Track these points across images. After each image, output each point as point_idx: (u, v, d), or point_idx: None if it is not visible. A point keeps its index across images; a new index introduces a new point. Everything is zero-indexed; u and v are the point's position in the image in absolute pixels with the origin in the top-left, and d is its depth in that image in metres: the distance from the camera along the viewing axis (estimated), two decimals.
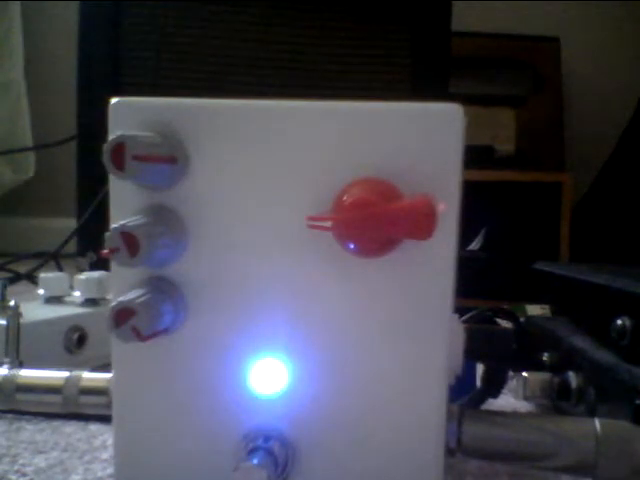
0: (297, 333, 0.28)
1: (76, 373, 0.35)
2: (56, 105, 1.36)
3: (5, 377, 0.36)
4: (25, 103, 1.50)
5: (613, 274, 0.43)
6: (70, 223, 0.89)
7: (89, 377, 0.35)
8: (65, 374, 0.35)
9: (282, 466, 0.27)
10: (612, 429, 0.29)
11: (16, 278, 0.88)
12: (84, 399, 0.35)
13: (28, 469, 0.35)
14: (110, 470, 0.35)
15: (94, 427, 0.41)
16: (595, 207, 1.26)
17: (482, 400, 0.39)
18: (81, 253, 0.83)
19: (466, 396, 0.38)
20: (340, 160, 0.27)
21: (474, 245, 1.03)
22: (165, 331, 0.27)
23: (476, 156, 1.23)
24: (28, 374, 0.36)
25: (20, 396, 0.36)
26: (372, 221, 0.24)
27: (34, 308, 0.54)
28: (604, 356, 0.38)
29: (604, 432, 0.28)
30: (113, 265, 0.28)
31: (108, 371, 0.30)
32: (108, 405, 0.33)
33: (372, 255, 0.26)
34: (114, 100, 0.28)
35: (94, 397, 0.34)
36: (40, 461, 0.36)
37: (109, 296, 0.55)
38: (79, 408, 0.35)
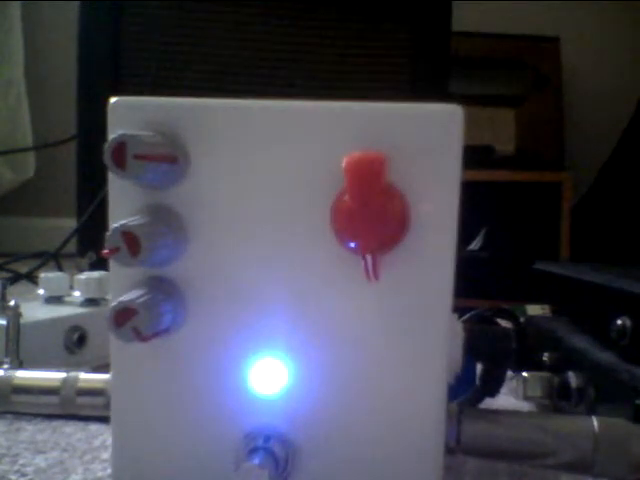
0: (297, 333, 0.28)
1: (73, 374, 0.35)
2: (56, 105, 1.36)
3: (1, 378, 0.36)
4: (25, 103, 1.50)
5: (613, 274, 0.43)
6: (70, 223, 0.89)
7: (86, 378, 0.35)
8: (62, 375, 0.35)
9: (283, 466, 0.27)
10: (610, 427, 0.29)
11: (16, 278, 0.88)
12: (81, 400, 0.35)
13: (28, 469, 0.35)
14: (110, 470, 0.35)
15: (94, 427, 0.41)
16: (595, 207, 1.26)
17: (480, 399, 0.39)
18: (81, 253, 0.83)
19: (466, 396, 0.38)
20: (340, 160, 0.27)
21: (474, 245, 1.03)
22: (165, 331, 0.27)
23: (476, 156, 1.23)
24: (24, 375, 0.36)
25: (17, 398, 0.36)
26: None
27: (34, 308, 0.54)
28: (604, 356, 0.38)
29: (602, 430, 0.29)
30: (112, 265, 0.28)
31: (108, 371, 0.30)
32: (106, 406, 0.33)
33: (372, 254, 0.26)
34: (113, 100, 0.28)
35: (91, 398, 0.34)
36: (40, 461, 0.36)
37: (109, 296, 0.55)
38: (76, 409, 0.35)
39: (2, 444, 0.39)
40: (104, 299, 0.56)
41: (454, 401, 0.30)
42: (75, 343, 0.53)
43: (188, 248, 0.28)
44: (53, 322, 0.52)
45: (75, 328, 0.53)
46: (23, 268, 0.92)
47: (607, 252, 1.12)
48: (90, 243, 0.82)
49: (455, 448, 0.29)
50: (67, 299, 0.57)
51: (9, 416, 0.43)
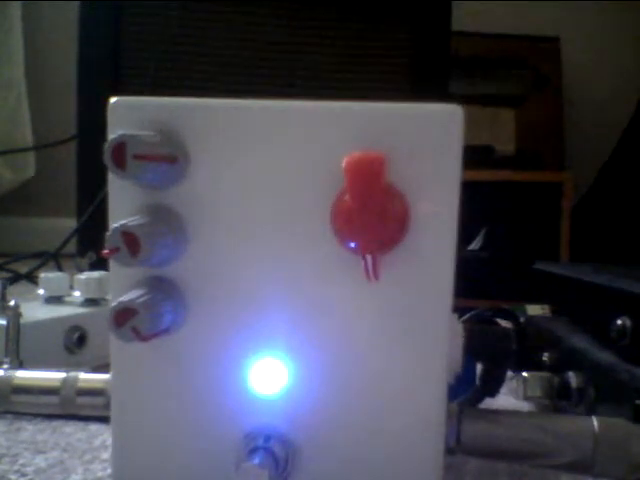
0: (297, 333, 0.28)
1: (73, 374, 0.35)
2: (56, 105, 1.36)
3: (1, 378, 0.36)
4: (25, 103, 1.50)
5: (613, 274, 0.43)
6: (70, 223, 0.89)
7: (86, 378, 0.35)
8: (62, 375, 0.35)
9: (283, 466, 0.27)
10: (610, 427, 0.29)
11: (16, 278, 0.88)
12: (81, 400, 0.35)
13: (28, 469, 0.35)
14: (110, 470, 0.35)
15: (94, 427, 0.41)
16: (595, 207, 1.26)
17: (480, 399, 0.39)
18: (81, 253, 0.83)
19: (466, 396, 0.38)
20: (340, 160, 0.27)
21: (474, 245, 1.03)
22: (165, 331, 0.27)
23: (476, 156, 1.23)
24: (24, 375, 0.36)
25: (17, 397, 0.36)
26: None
27: (34, 308, 0.54)
28: (604, 356, 0.38)
29: (602, 430, 0.29)
30: (112, 265, 0.28)
31: (108, 371, 0.30)
32: (105, 406, 0.33)
33: (372, 254, 0.26)
34: (113, 100, 0.28)
35: (91, 398, 0.34)
36: (40, 461, 0.36)
37: (109, 296, 0.55)
38: (76, 409, 0.35)
39: (2, 444, 0.39)
40: (104, 299, 0.56)
41: (454, 401, 0.30)
42: (75, 343, 0.53)
43: (188, 248, 0.28)
44: (53, 322, 0.52)
45: (75, 328, 0.53)
46: (23, 268, 0.92)
47: (607, 252, 1.12)
48: (90, 243, 0.82)
49: (455, 448, 0.29)
50: (67, 299, 0.57)
51: (9, 416, 0.43)
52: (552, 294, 0.53)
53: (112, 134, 0.25)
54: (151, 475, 0.30)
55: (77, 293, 0.57)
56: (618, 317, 0.37)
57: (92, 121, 0.82)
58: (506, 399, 0.45)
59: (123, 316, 0.25)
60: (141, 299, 0.25)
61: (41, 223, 1.51)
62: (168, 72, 0.83)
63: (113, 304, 0.25)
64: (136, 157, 0.25)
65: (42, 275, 0.57)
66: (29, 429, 0.41)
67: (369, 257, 0.26)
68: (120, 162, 0.25)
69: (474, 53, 1.35)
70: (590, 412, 0.37)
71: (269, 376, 0.28)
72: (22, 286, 0.85)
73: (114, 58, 0.84)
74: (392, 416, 0.28)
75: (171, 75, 0.83)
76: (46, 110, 1.49)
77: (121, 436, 0.30)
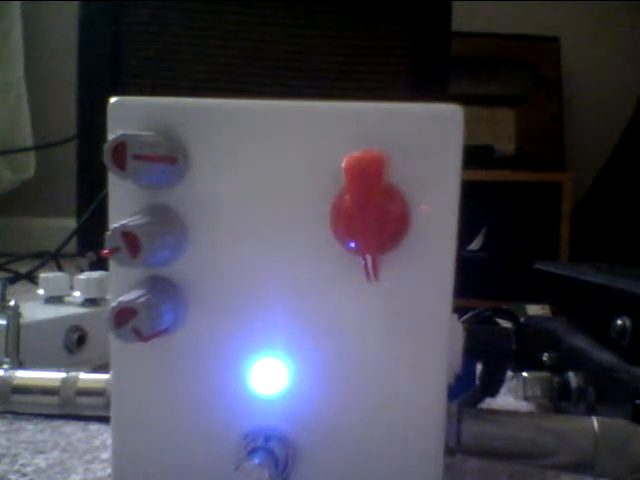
0: (297, 333, 0.28)
1: (73, 374, 0.35)
2: (56, 105, 1.36)
3: (1, 378, 0.36)
4: (25, 103, 1.50)
5: (613, 274, 0.43)
6: (70, 223, 0.89)
7: (86, 378, 0.35)
8: (62, 375, 0.35)
9: (283, 466, 0.27)
10: (610, 427, 0.29)
11: (16, 278, 0.88)
12: (81, 400, 0.35)
13: (28, 469, 0.35)
14: (110, 470, 0.35)
15: (94, 427, 0.41)
16: (595, 207, 1.26)
17: (480, 399, 0.39)
18: (81, 253, 0.83)
19: (466, 395, 0.38)
20: (340, 160, 0.27)
21: (474, 245, 1.03)
22: (165, 331, 0.27)
23: (476, 156, 1.23)
24: (24, 375, 0.36)
25: (17, 397, 0.36)
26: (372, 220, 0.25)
27: (34, 308, 0.54)
28: (604, 356, 0.38)
29: (602, 430, 0.29)
30: (112, 265, 0.28)
31: (108, 371, 0.30)
32: (105, 406, 0.33)
33: (372, 254, 0.26)
34: (113, 100, 0.28)
35: (91, 398, 0.34)
36: (40, 461, 0.36)
37: (109, 296, 0.55)
38: (76, 409, 0.35)
39: (2, 444, 0.39)
40: (104, 299, 0.56)
41: (454, 401, 0.30)
42: (75, 343, 0.53)
43: (188, 248, 0.28)
44: (53, 322, 0.52)
45: (75, 328, 0.53)
46: (23, 268, 0.92)
47: (607, 253, 1.12)
48: (90, 243, 0.82)
49: (455, 448, 0.29)
50: (67, 299, 0.57)
51: (9, 416, 0.43)
52: (552, 294, 0.53)
53: (112, 134, 0.25)
54: (151, 475, 0.30)
55: (77, 293, 0.57)
56: (618, 317, 0.37)
57: (92, 121, 0.82)
58: (506, 399, 0.45)
59: (123, 316, 0.25)
60: (141, 299, 0.25)
61: (41, 223, 1.51)
62: (168, 72, 0.83)
63: (113, 304, 0.25)
64: (136, 157, 0.25)
65: (42, 275, 0.57)
66: (29, 429, 0.41)
67: (369, 257, 0.26)
68: (120, 162, 0.25)
69: (474, 53, 1.35)
70: (590, 412, 0.37)
71: (269, 376, 0.28)
72: (22, 286, 0.85)
73: (114, 58, 0.84)
74: (392, 416, 0.28)
75: (171, 75, 0.83)
76: (46, 110, 1.49)
77: (121, 436, 0.30)
